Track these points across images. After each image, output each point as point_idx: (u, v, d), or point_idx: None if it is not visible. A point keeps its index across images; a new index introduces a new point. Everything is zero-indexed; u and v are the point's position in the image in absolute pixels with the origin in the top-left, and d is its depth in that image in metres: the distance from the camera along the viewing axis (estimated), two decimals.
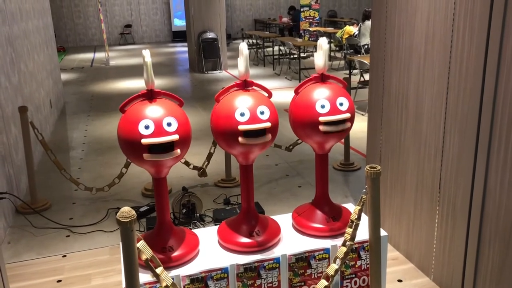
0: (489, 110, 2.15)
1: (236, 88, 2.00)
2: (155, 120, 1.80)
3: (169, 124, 1.82)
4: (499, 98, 2.08)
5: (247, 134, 1.87)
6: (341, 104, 2.02)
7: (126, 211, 1.58)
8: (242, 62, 1.97)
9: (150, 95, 1.89)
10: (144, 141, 1.76)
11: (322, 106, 1.99)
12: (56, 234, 3.53)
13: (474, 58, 2.22)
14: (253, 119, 1.88)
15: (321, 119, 1.97)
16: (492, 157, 2.17)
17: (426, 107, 2.61)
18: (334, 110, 2.00)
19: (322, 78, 2.10)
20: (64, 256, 3.20)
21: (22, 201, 3.88)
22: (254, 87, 2.03)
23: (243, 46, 1.96)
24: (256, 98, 1.94)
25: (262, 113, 1.91)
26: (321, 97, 2.01)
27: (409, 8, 2.66)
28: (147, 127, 1.78)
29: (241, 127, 1.85)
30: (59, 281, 2.91)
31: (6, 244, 3.38)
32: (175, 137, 1.79)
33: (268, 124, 1.88)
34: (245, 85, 2.00)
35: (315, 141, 2.08)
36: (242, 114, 1.88)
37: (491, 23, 2.09)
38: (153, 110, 1.82)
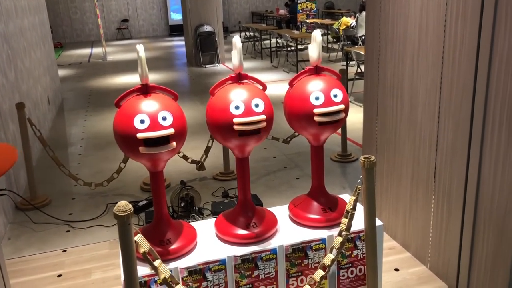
0: (482, 98, 2.16)
1: (230, 82, 2.01)
2: (150, 114, 1.81)
3: (164, 118, 1.83)
4: (492, 86, 2.10)
5: (241, 131, 1.88)
6: (335, 96, 2.03)
7: (123, 205, 1.59)
8: (235, 55, 1.98)
9: (145, 90, 1.90)
10: (139, 135, 1.77)
11: (317, 98, 2.01)
12: (56, 229, 3.55)
13: (467, 47, 2.23)
14: (248, 112, 1.89)
15: (316, 111, 1.98)
16: (485, 145, 2.18)
17: (420, 97, 2.62)
18: (328, 101, 2.01)
19: (316, 71, 2.12)
20: (64, 251, 3.23)
21: (21, 197, 3.90)
22: (248, 80, 2.04)
23: (236, 40, 1.97)
24: (251, 91, 1.96)
25: (256, 105, 1.92)
26: (315, 89, 2.02)
27: None
28: (142, 121, 1.79)
29: (236, 120, 1.87)
30: (59, 275, 2.93)
31: (6, 240, 3.40)
32: (171, 131, 1.81)
33: (263, 117, 1.89)
34: (239, 78, 2.01)
35: (310, 133, 2.10)
36: (236, 107, 1.89)
37: (483, 12, 2.10)
38: (148, 105, 1.83)
